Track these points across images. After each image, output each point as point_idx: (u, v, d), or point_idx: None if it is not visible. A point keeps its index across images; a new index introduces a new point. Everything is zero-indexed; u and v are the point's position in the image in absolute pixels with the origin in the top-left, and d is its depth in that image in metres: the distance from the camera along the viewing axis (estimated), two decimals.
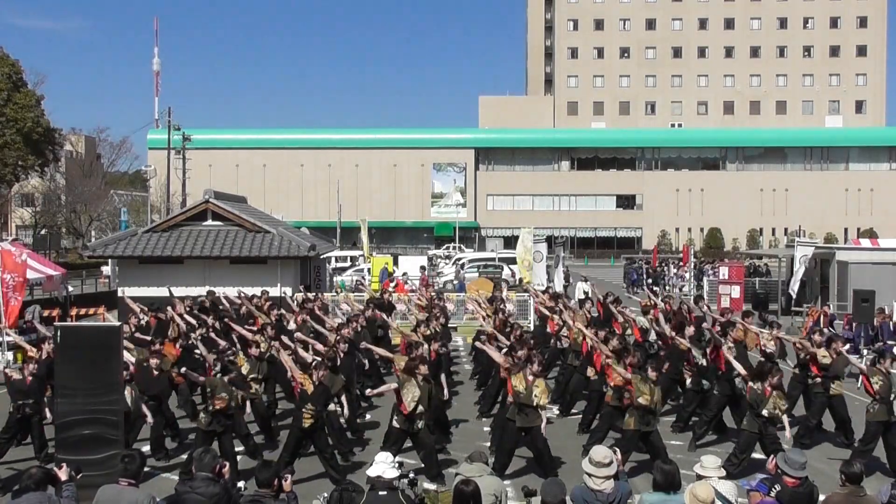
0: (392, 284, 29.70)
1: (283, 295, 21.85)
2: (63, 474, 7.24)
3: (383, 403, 15.96)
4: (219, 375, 11.41)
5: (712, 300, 33.45)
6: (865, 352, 18.19)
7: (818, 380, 13.14)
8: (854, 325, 22.16)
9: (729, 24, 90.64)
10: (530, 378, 11.00)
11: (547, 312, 17.94)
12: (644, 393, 11.01)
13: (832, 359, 13.01)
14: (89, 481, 7.98)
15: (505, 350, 14.12)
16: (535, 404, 10.88)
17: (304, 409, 10.84)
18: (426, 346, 12.92)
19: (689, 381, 13.91)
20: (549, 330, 17.90)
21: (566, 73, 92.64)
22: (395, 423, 10.99)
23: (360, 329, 15.81)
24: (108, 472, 8.55)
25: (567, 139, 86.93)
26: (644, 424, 11.05)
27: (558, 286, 29.29)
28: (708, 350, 13.69)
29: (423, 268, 35.02)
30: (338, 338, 13.86)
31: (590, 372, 14.05)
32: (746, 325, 14.77)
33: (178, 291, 24.69)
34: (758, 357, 13.96)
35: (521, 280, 32.65)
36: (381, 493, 6.93)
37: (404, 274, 33.24)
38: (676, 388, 14.59)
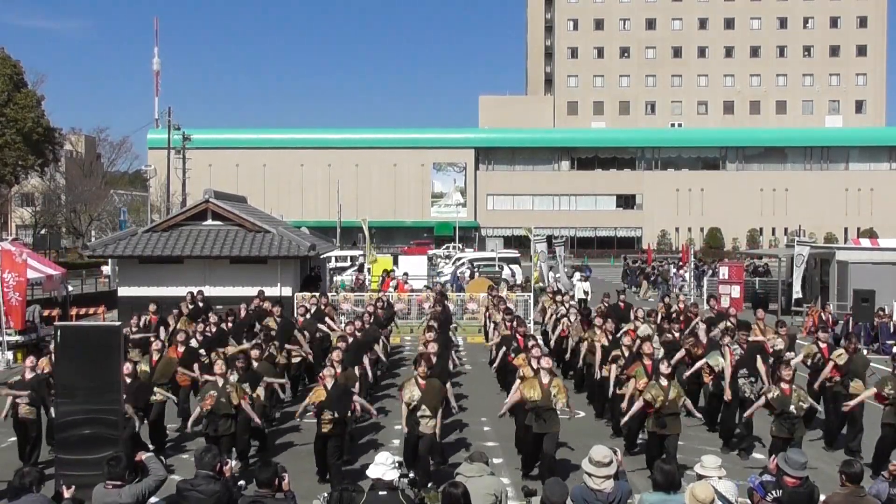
0: (392, 284, 29.73)
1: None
2: (67, 494, 7.25)
3: (384, 405, 15.97)
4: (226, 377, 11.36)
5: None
6: (865, 351, 18.14)
7: (837, 379, 12.98)
8: (853, 324, 22.20)
9: (729, 24, 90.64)
10: (546, 381, 10.98)
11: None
12: (658, 396, 10.99)
13: (849, 356, 12.89)
14: (89, 481, 7.98)
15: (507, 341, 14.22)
16: (554, 406, 10.91)
17: (321, 417, 10.88)
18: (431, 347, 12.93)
19: (710, 384, 13.82)
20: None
21: (566, 73, 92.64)
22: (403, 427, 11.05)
23: (365, 327, 15.87)
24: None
25: (567, 139, 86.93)
26: (660, 427, 11.02)
27: (563, 287, 29.22)
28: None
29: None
30: (338, 336, 13.89)
31: (605, 372, 14.14)
32: (760, 319, 14.83)
33: (178, 291, 24.80)
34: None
35: (526, 280, 32.68)
36: (381, 493, 6.93)
37: (405, 274, 33.23)
38: (698, 393, 14.57)
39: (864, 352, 16.00)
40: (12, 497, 7.07)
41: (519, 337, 14.85)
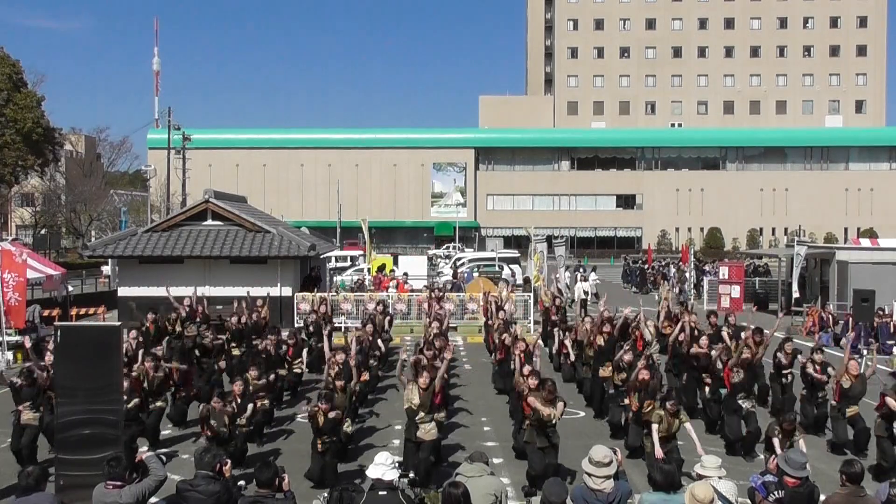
0: (392, 284, 29.71)
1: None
2: None
3: (381, 408, 15.99)
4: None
5: (712, 300, 33.53)
6: (865, 352, 18.14)
7: (833, 402, 12.82)
8: (853, 324, 22.18)
9: (729, 24, 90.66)
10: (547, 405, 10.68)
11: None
12: (662, 425, 10.68)
13: (852, 382, 12.57)
14: (88, 481, 7.98)
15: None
16: (554, 423, 10.68)
17: (317, 440, 10.85)
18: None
19: (707, 390, 13.80)
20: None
21: (566, 73, 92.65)
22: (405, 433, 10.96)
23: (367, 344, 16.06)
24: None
25: (567, 139, 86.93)
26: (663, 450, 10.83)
27: (563, 288, 29.14)
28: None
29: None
30: (333, 355, 13.40)
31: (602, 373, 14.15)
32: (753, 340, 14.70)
33: (178, 292, 24.80)
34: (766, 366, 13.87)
35: (526, 280, 32.62)
36: (381, 492, 6.93)
37: (405, 274, 33.22)
38: (697, 396, 14.56)
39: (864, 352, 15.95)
40: (20, 495, 7.12)
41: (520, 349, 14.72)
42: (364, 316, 20.55)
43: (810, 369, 13.40)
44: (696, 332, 15.42)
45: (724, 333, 15.82)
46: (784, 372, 14.32)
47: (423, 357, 12.72)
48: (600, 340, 14.55)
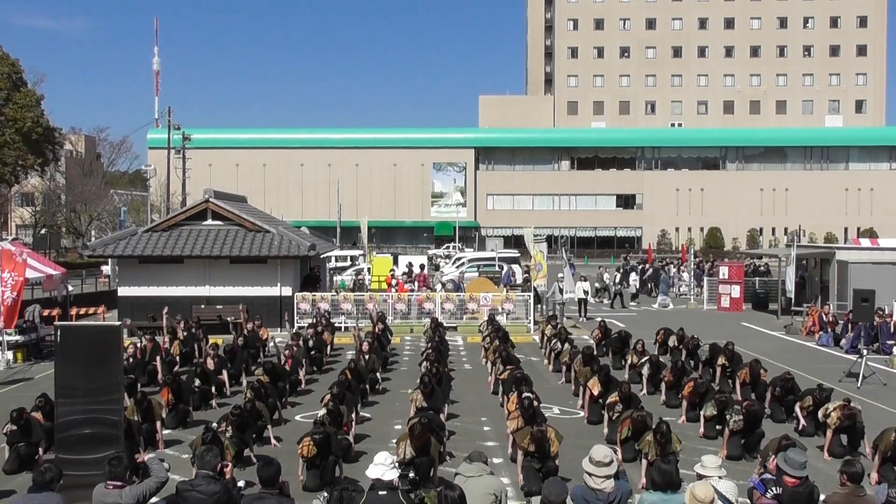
0: (393, 282, 29.74)
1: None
2: None
3: (381, 408, 15.97)
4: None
5: (712, 300, 33.52)
6: (865, 352, 18.13)
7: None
8: (852, 324, 22.18)
9: (729, 23, 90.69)
10: (538, 436, 10.36)
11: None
12: (651, 452, 10.36)
13: (840, 422, 12.15)
14: (89, 481, 7.99)
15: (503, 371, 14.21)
16: (551, 454, 10.35)
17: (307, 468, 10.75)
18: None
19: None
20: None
21: (566, 73, 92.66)
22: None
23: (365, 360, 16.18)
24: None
25: (567, 139, 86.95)
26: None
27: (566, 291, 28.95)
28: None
29: (422, 266, 35.02)
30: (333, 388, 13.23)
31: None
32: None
33: (178, 291, 24.84)
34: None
35: (526, 280, 32.64)
36: (381, 492, 6.93)
37: (404, 273, 33.23)
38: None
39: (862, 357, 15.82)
40: (33, 490, 7.15)
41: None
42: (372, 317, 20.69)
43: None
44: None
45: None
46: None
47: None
48: (596, 388, 14.23)
